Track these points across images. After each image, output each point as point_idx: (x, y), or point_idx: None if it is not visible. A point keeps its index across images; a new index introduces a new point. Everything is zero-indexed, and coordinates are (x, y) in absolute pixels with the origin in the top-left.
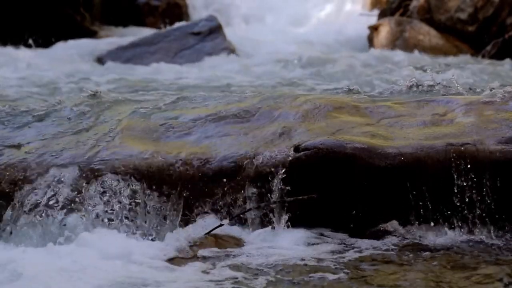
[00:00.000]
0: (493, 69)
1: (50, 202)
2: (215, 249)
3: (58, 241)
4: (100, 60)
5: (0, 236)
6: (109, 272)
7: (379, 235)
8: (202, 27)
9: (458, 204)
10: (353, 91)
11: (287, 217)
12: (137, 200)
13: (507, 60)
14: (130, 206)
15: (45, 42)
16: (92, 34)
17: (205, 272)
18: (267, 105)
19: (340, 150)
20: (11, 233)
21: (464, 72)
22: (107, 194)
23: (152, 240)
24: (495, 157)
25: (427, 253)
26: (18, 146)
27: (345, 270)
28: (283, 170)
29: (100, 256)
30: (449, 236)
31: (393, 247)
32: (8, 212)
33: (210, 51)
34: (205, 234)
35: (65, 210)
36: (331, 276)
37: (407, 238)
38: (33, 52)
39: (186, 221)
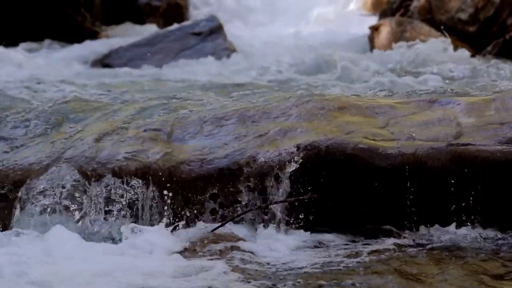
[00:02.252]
0: (493, 70)
1: (59, 201)
2: (217, 248)
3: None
4: (101, 61)
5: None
6: (110, 268)
7: (382, 235)
8: (202, 27)
9: (459, 204)
10: (354, 91)
11: (289, 217)
12: (140, 200)
13: (508, 60)
14: (133, 205)
15: (44, 42)
16: (93, 35)
17: (205, 271)
18: (268, 105)
19: (341, 150)
20: (16, 232)
21: (465, 73)
22: (113, 193)
23: (154, 238)
24: (496, 158)
25: (432, 253)
26: (20, 148)
27: (354, 273)
28: (284, 170)
29: (103, 253)
30: (452, 236)
31: (397, 247)
32: (13, 212)
33: (211, 52)
34: (207, 233)
35: (69, 209)
36: (341, 281)
37: (409, 238)
38: (33, 53)
39: (187, 220)
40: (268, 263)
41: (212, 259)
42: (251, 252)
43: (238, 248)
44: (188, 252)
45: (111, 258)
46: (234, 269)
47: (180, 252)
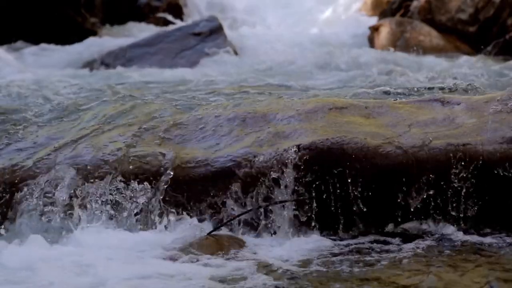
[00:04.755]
0: (494, 70)
1: (55, 200)
2: (216, 250)
3: (61, 239)
4: (101, 61)
5: (4, 234)
6: (108, 268)
7: (385, 236)
8: (203, 28)
9: (459, 204)
10: (354, 91)
11: (290, 218)
12: (138, 199)
13: (508, 61)
14: (131, 205)
15: (44, 43)
16: (93, 35)
17: (203, 272)
18: (269, 106)
19: (342, 150)
20: (15, 231)
21: (465, 73)
22: (110, 193)
23: (153, 239)
24: (496, 158)
25: (432, 252)
26: (21, 148)
27: (358, 277)
28: (285, 171)
29: (100, 253)
30: (453, 236)
31: (399, 248)
32: (11, 211)
33: (211, 52)
34: (206, 234)
35: (66, 209)
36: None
37: (409, 239)
38: (33, 53)
39: (187, 221)
40: (270, 269)
41: (208, 260)
42: (250, 255)
43: (237, 251)
44: (185, 252)
45: (121, 264)
46: (229, 270)
47: (176, 252)
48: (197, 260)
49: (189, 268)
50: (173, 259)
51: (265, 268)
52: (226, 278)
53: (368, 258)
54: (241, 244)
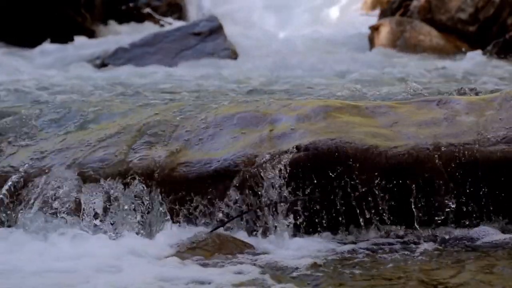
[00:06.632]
0: (493, 69)
1: (49, 202)
2: (218, 251)
3: (55, 240)
4: (100, 61)
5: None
6: (108, 270)
7: (388, 237)
8: (202, 28)
9: (459, 203)
10: (354, 91)
11: (291, 219)
12: (137, 200)
13: (508, 60)
14: (129, 205)
15: (44, 43)
16: (93, 35)
17: (202, 272)
18: (268, 107)
19: (341, 150)
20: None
21: (465, 73)
22: (107, 194)
23: (152, 238)
24: (496, 157)
25: (436, 253)
26: (20, 148)
27: (366, 278)
28: (285, 171)
29: (101, 254)
30: (452, 236)
31: (404, 248)
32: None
33: (211, 52)
34: (206, 234)
35: (63, 210)
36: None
37: (409, 239)
38: (33, 54)
39: (187, 221)
40: (271, 271)
41: (207, 260)
42: (250, 256)
43: (237, 251)
44: (184, 251)
45: (107, 255)
46: (229, 271)
47: (175, 252)
48: (202, 262)
49: (193, 271)
50: (177, 261)
51: (271, 270)
52: (233, 281)
53: (374, 259)
54: (246, 246)
